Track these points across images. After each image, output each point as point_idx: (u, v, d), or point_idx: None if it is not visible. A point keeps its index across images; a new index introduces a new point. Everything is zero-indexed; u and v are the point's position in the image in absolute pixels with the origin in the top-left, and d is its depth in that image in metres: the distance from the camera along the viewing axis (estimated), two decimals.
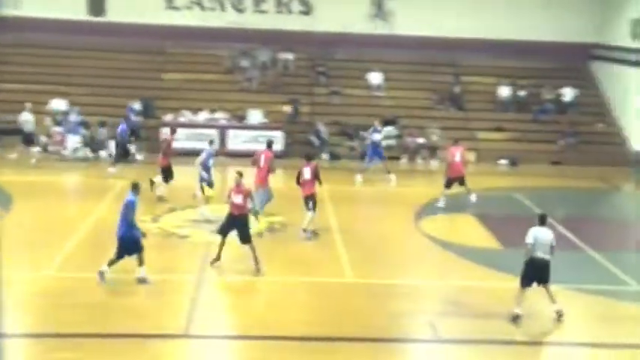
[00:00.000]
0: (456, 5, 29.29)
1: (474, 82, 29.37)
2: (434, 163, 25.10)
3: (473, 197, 19.99)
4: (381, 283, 14.14)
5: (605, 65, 29.35)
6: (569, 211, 20.68)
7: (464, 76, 29.21)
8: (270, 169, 17.44)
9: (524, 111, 28.34)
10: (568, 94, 28.40)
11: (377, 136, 22.74)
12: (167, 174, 19.13)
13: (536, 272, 12.53)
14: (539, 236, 12.45)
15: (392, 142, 26.21)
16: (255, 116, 26.18)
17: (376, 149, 22.60)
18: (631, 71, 26.90)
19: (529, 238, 12.41)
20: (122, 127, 22.66)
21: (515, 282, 14.39)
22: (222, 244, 14.32)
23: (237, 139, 25.48)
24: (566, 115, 28.05)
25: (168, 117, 25.90)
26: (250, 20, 29.39)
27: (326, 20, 29.32)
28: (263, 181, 17.35)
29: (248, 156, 24.66)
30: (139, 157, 24.18)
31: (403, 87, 28.97)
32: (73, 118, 24.94)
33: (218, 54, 28.90)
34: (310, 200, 16.53)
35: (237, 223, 14.24)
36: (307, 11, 29.76)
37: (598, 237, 17.48)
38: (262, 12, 29.62)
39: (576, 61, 30.18)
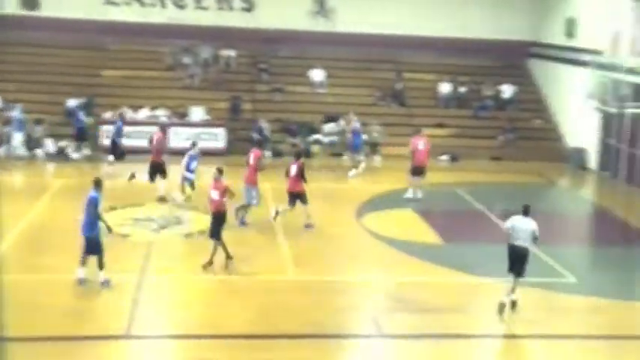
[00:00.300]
0: (397, 3, 29.53)
1: (416, 78, 29.67)
2: (376, 160, 25.24)
3: (419, 193, 20.27)
4: (324, 280, 14.17)
5: (542, 63, 29.99)
6: (508, 206, 20.99)
7: (405, 73, 29.47)
8: (258, 168, 17.44)
9: (465, 107, 28.77)
10: (507, 91, 28.93)
11: (357, 125, 23.35)
12: (156, 171, 19.06)
13: (511, 259, 12.96)
14: (517, 225, 12.89)
15: (334, 138, 26.34)
16: (197, 113, 25.93)
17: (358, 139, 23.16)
18: (566, 69, 27.53)
19: (507, 224, 12.99)
20: (117, 124, 22.21)
21: (457, 276, 14.62)
22: (216, 247, 14.31)
23: (179, 137, 25.18)
24: (505, 112, 28.55)
25: (108, 114, 25.44)
26: (191, 17, 29.10)
27: (268, 17, 29.24)
28: (251, 180, 17.31)
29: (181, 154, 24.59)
30: (75, 155, 23.72)
31: (345, 84, 29.07)
32: (16, 115, 24.24)
33: (159, 50, 28.52)
34: (295, 197, 17.06)
35: (213, 218, 14.29)
36: (249, 8, 29.63)
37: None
38: (203, 8, 29.35)
39: (515, 58, 30.78)
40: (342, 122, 25.63)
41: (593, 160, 25.57)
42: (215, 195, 14.32)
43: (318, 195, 21.37)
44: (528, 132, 28.05)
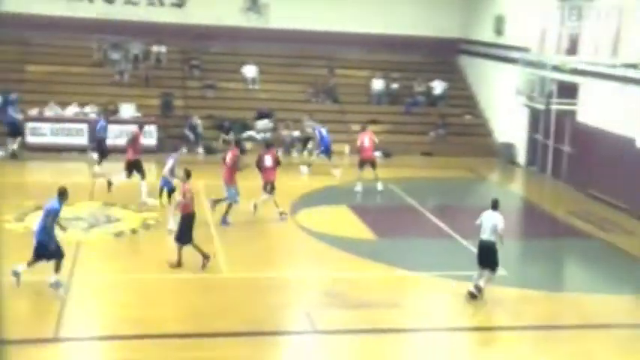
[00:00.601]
0: (330, 0, 29.62)
1: (348, 75, 29.79)
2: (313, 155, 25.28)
3: (379, 185, 20.81)
4: (258, 277, 14.09)
5: (472, 60, 30.49)
6: (439, 201, 21.36)
7: (338, 69, 29.57)
8: (236, 167, 17.27)
9: (397, 104, 29.03)
10: (438, 87, 29.32)
11: (324, 131, 23.35)
12: (133, 169, 18.79)
13: (479, 254, 13.26)
14: (484, 219, 13.21)
15: (267, 135, 26.23)
16: (127, 110, 25.43)
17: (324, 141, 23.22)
18: (495, 66, 28.05)
19: (478, 220, 13.33)
20: (101, 123, 21.60)
21: (390, 271, 14.74)
22: (196, 246, 14.15)
23: (109, 134, 24.63)
24: (436, 108, 28.94)
25: (34, 111, 24.73)
26: (121, 12, 28.52)
27: (199, 13, 28.91)
28: (228, 179, 17.20)
29: (120, 151, 24.16)
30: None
31: (278, 80, 29.00)
32: None
33: (87, 46, 27.89)
34: (269, 185, 17.75)
35: (181, 220, 14.18)
36: (180, 4, 29.23)
37: (467, 225, 18.05)
38: (133, 4, 28.80)
39: (446, 55, 31.22)
40: (307, 125, 25.22)
41: (521, 156, 26.13)
42: (181, 198, 14.22)
43: (252, 192, 21.27)
44: (459, 128, 28.49)
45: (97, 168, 20.88)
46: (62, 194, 12.95)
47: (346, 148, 25.90)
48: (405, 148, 26.91)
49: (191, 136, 25.37)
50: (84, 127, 24.46)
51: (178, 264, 14.08)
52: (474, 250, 15.87)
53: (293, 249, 16.00)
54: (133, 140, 19.27)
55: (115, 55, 27.69)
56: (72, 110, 25.09)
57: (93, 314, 12.32)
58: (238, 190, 17.28)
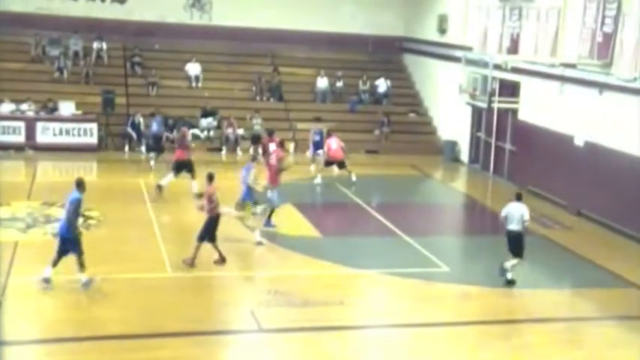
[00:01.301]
0: None
1: (293, 73, 29.74)
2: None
3: (353, 177, 21.37)
4: (202, 276, 13.94)
5: (416, 58, 30.75)
6: (384, 198, 21.49)
7: (282, 67, 29.49)
8: (281, 168, 17.05)
9: (341, 102, 29.10)
10: (382, 85, 29.49)
11: (317, 137, 23.54)
12: (182, 168, 18.65)
13: (508, 243, 14.22)
14: (510, 211, 14.13)
15: (211, 134, 26.04)
16: (66, 108, 24.87)
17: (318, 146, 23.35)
18: (438, 64, 28.35)
19: (503, 212, 14.21)
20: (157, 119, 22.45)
21: (334, 269, 14.78)
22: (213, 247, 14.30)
23: (47, 132, 24.15)
24: (381, 106, 29.09)
25: None
26: (60, 7, 27.93)
27: (141, 9, 28.52)
28: (273, 181, 16.85)
29: (59, 149, 23.67)
30: None
31: (222, 78, 28.78)
32: None
33: (24, 41, 27.20)
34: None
35: (207, 221, 14.24)
36: (121, 0, 28.74)
37: (411, 222, 18.26)
38: None
39: (390, 53, 31.42)
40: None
41: (465, 153, 26.46)
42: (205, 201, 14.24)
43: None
44: (403, 126, 28.69)
45: (165, 180, 19.38)
46: (80, 184, 12.92)
47: (291, 146, 25.86)
48: (349, 146, 26.77)
49: (133, 134, 24.98)
50: (21, 124, 23.86)
51: (192, 263, 14.03)
52: (418, 247, 16.08)
53: (237, 247, 15.85)
54: (181, 139, 19.12)
55: (54, 51, 27.08)
56: (7, 107, 24.39)
57: (32, 317, 11.96)
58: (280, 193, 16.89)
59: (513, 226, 14.13)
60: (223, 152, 25.60)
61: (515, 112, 23.29)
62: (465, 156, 26.46)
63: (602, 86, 18.87)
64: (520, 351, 11.70)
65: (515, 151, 23.33)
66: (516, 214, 14.10)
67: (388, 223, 17.90)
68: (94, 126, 24.56)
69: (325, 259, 15.17)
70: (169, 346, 11.18)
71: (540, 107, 21.87)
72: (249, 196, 15.88)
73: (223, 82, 28.62)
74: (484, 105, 23.74)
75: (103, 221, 16.77)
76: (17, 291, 12.67)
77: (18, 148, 23.39)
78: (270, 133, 20.60)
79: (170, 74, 28.11)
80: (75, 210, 12.71)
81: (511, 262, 14.24)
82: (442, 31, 28.18)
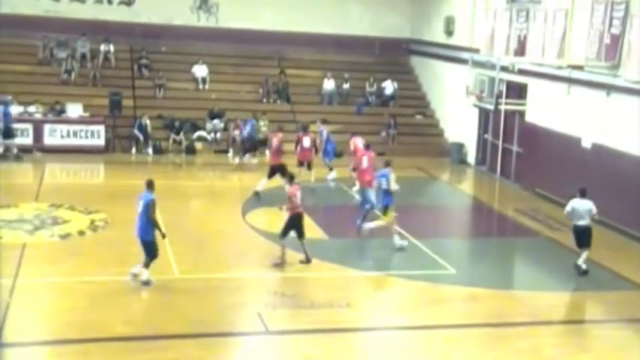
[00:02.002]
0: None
1: (300, 75, 29.76)
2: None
3: (331, 175, 21.80)
4: (208, 278, 13.94)
5: (423, 60, 30.73)
6: (390, 200, 21.39)
7: (289, 69, 29.51)
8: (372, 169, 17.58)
9: (348, 104, 29.10)
10: (389, 87, 29.48)
11: (325, 134, 23.21)
12: (276, 172, 19.05)
13: (576, 237, 15.01)
14: (576, 206, 14.92)
15: (218, 136, 26.07)
16: (74, 110, 24.95)
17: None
18: (445, 66, 28.32)
19: (568, 208, 15.08)
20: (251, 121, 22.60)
21: (341, 271, 14.77)
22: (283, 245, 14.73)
23: (55, 134, 24.24)
24: (388, 108, 29.08)
25: None
26: (67, 9, 28.03)
27: (148, 12, 28.61)
28: (366, 181, 17.30)
29: (66, 151, 23.75)
30: None
31: (229, 80, 28.83)
32: None
33: (32, 44, 27.30)
34: (306, 163, 19.70)
35: (292, 221, 14.71)
36: (128, 2, 28.85)
37: (418, 224, 18.22)
38: (81, 1, 28.32)
39: (397, 55, 31.41)
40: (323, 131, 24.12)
41: (471, 155, 26.41)
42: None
43: (203, 192, 21.14)
44: (410, 128, 28.67)
45: (260, 183, 19.76)
46: (150, 185, 13.30)
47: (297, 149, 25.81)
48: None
49: (140, 136, 25.03)
50: (29, 127, 23.95)
51: (282, 262, 14.58)
52: (425, 249, 16.05)
53: (244, 249, 15.86)
54: (276, 145, 19.69)
55: (62, 54, 27.17)
56: (15, 109, 24.47)
57: (38, 318, 12.00)
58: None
59: (581, 221, 14.89)
60: (230, 154, 25.61)
61: (522, 114, 23.25)
62: (471, 158, 26.42)
63: (610, 88, 18.82)
64: (526, 353, 11.66)
65: (523, 153, 23.27)
66: (582, 209, 14.85)
67: (395, 225, 17.86)
68: (101, 128, 24.63)
69: (332, 261, 15.17)
70: (175, 347, 11.19)
71: (548, 109, 21.82)
72: (391, 201, 16.18)
73: (230, 84, 28.66)
74: (491, 107, 23.71)
75: (110, 223, 16.80)
76: (24, 292, 12.72)
77: (26, 150, 23.46)
78: (304, 128, 21.11)
79: (177, 76, 28.17)
80: (153, 211, 13.09)
81: (583, 258, 15.02)
82: (449, 32, 28.15)
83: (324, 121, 24.03)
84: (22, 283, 12.99)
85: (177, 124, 25.70)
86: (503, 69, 23.06)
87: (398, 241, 16.04)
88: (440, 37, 28.77)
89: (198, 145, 25.77)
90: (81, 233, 16.05)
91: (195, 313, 12.27)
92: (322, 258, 15.25)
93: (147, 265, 13.19)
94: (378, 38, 30.72)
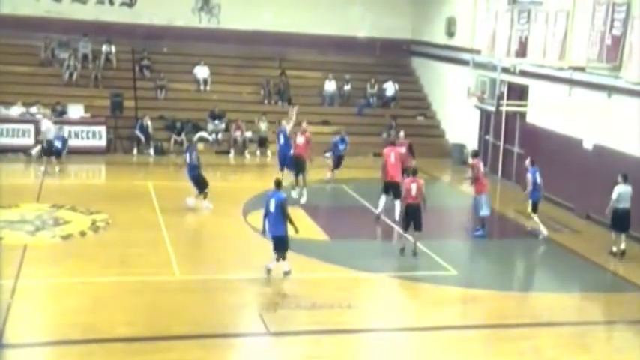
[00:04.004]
0: (281, 1, 29.57)
1: (301, 76, 29.78)
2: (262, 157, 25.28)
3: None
4: (210, 279, 13.95)
5: (424, 61, 30.74)
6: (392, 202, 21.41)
7: (291, 70, 29.52)
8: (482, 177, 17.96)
9: (349, 105, 29.11)
10: (390, 88, 29.48)
11: (342, 147, 22.59)
12: (390, 189, 18.50)
13: (619, 220, 16.12)
14: (622, 192, 16.02)
15: (219, 136, 26.09)
16: (75, 111, 24.98)
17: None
18: (447, 67, 28.32)
19: (614, 195, 16.01)
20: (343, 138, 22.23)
21: (342, 272, 14.76)
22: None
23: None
24: (389, 109, 29.09)
25: None
26: (69, 10, 28.06)
27: (150, 13, 28.62)
28: (482, 189, 17.73)
29: (68, 152, 23.74)
30: None
31: (230, 81, 28.85)
32: None
33: (33, 45, 27.31)
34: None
35: (414, 212, 15.46)
36: (130, 3, 28.87)
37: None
38: (82, 2, 28.35)
39: (398, 56, 31.43)
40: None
41: None
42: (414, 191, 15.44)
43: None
44: (411, 129, 28.54)
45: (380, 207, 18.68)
46: (278, 184, 14.09)
47: None
48: (357, 149, 26.92)
49: (142, 137, 25.06)
50: (30, 127, 23.96)
51: (414, 253, 15.42)
52: (427, 250, 16.04)
53: (245, 250, 15.87)
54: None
55: (63, 55, 27.20)
56: (17, 110, 24.51)
57: (40, 319, 12.01)
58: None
59: (624, 205, 15.98)
60: (231, 155, 25.64)
61: (523, 115, 23.24)
62: None
63: (611, 89, 18.82)
64: (528, 354, 11.66)
65: (524, 154, 23.23)
66: (626, 193, 15.97)
67: (396, 226, 17.88)
68: (102, 129, 24.66)
69: (333, 262, 15.17)
70: (177, 348, 11.19)
71: (549, 110, 21.81)
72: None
73: (231, 85, 28.69)
74: (492, 108, 23.68)
75: (112, 224, 16.82)
76: (26, 293, 12.73)
77: (27, 150, 23.47)
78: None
79: (178, 77, 28.19)
80: (286, 209, 13.82)
81: (623, 244, 16.21)
82: (450, 34, 28.15)
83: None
84: (24, 284, 13.00)
85: (178, 125, 25.73)
86: (505, 70, 23.05)
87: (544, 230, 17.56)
88: (441, 38, 28.77)
89: (200, 146, 25.67)
90: (82, 234, 16.05)
91: (197, 314, 12.27)
92: (323, 259, 15.27)
93: (283, 258, 13.92)
94: (379, 39, 30.73)
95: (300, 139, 20.00)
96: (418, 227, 15.62)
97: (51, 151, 22.38)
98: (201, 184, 18.16)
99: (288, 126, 20.86)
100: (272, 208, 13.82)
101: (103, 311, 12.22)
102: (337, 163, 22.13)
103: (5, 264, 13.81)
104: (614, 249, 16.30)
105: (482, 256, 17.24)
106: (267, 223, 13.97)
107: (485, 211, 17.70)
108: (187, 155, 18.45)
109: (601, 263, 16.06)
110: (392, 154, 18.52)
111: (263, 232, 14.34)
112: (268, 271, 13.88)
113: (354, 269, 14.91)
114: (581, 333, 12.80)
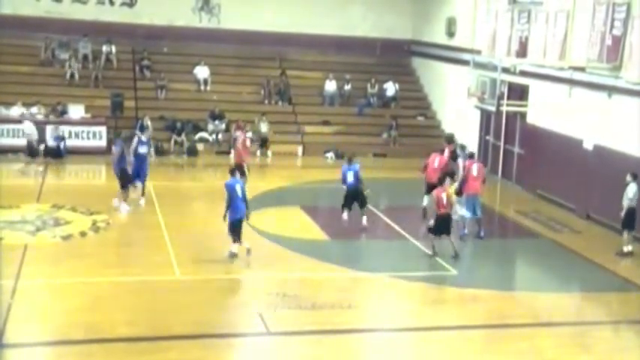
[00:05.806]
0: (281, 1, 29.58)
1: (301, 76, 29.77)
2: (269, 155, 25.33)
3: None
4: (210, 279, 13.96)
5: (424, 61, 30.72)
6: (392, 202, 21.46)
7: (291, 70, 29.52)
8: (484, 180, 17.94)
9: (350, 105, 29.12)
10: (390, 88, 29.48)
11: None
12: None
13: (632, 218, 16.26)
14: (636, 190, 16.19)
15: (220, 137, 26.09)
16: (76, 111, 24.98)
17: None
18: (447, 67, 28.31)
19: (630, 193, 16.19)
20: None
21: (342, 272, 14.76)
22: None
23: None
24: (389, 109, 29.09)
25: None
26: (69, 10, 28.06)
27: (150, 13, 28.63)
28: (476, 189, 17.53)
29: (68, 152, 23.76)
30: None
31: (230, 81, 28.85)
32: None
33: (34, 45, 27.32)
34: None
35: (446, 221, 15.67)
36: (130, 3, 28.87)
37: (419, 226, 18.21)
38: (82, 2, 28.35)
39: (398, 56, 31.42)
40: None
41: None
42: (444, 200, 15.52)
43: (205, 193, 21.14)
44: (411, 129, 28.67)
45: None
46: (233, 172, 15.08)
47: (299, 150, 25.92)
48: (357, 149, 26.87)
49: (142, 137, 24.96)
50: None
51: (434, 253, 15.59)
52: (426, 250, 16.04)
53: (245, 250, 15.87)
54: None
55: (64, 55, 27.21)
56: (17, 111, 24.51)
57: (40, 319, 12.02)
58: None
59: (634, 204, 16.19)
60: (231, 155, 25.61)
61: (523, 115, 23.24)
62: None
63: (612, 89, 18.81)
64: (528, 355, 11.66)
65: (524, 154, 23.27)
66: (637, 192, 16.20)
67: (396, 227, 17.89)
68: (103, 129, 24.66)
69: (333, 262, 15.18)
70: (177, 348, 11.20)
71: (549, 110, 21.81)
72: None
73: (232, 85, 28.69)
74: (493, 108, 23.67)
75: (112, 224, 16.83)
76: (26, 293, 12.74)
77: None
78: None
79: (179, 77, 28.19)
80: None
81: (630, 245, 16.39)
82: (450, 34, 28.14)
83: None
84: (24, 284, 13.01)
85: (178, 125, 25.73)
86: (505, 70, 23.04)
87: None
88: (441, 38, 28.76)
89: (200, 147, 25.79)
90: (83, 234, 16.06)
91: (197, 314, 12.28)
92: (323, 259, 15.28)
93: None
94: (380, 39, 30.73)
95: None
96: (448, 233, 15.83)
97: (32, 152, 22.76)
98: (122, 179, 18.05)
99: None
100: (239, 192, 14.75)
101: (103, 311, 12.23)
102: (354, 198, 17.88)
103: (5, 264, 13.82)
104: (625, 249, 16.40)
105: (482, 256, 17.22)
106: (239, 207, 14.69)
107: (463, 212, 17.31)
108: (113, 148, 18.59)
109: (601, 263, 16.06)
110: (436, 159, 18.93)
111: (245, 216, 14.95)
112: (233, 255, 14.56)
113: (354, 269, 14.92)
114: (581, 333, 12.80)
